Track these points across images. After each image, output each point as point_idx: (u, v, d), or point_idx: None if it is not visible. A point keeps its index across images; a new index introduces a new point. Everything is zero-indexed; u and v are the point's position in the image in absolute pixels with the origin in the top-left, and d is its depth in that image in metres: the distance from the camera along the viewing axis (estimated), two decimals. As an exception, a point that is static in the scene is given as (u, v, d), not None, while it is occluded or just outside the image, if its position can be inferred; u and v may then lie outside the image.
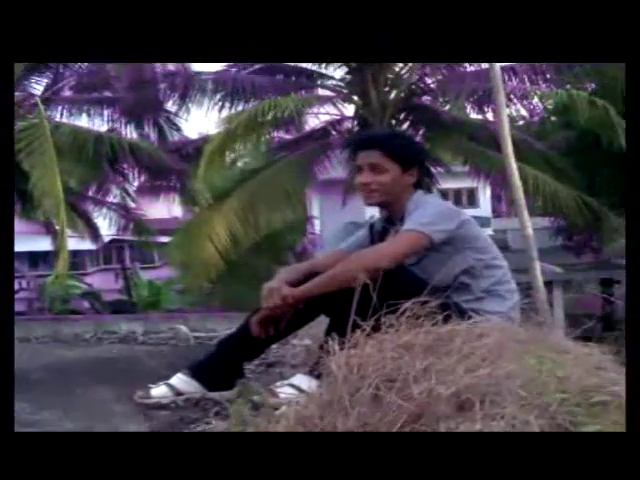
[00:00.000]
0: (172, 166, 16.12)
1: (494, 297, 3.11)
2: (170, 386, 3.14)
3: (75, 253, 25.71)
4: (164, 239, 19.27)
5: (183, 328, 4.70)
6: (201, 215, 15.63)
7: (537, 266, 10.35)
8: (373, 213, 21.55)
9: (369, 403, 2.14)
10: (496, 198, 25.01)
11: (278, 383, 3.03)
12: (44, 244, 17.96)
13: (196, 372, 3.16)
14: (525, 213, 11.88)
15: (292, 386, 2.97)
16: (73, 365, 3.80)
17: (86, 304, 21.12)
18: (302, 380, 2.99)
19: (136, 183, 17.41)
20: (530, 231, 12.01)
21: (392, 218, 3.32)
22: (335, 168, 16.24)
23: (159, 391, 3.12)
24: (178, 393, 3.12)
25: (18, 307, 17.09)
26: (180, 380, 3.16)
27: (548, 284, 12.13)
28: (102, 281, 24.06)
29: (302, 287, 3.02)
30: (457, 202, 21.29)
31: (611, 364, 2.26)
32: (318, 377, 2.85)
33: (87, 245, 20.95)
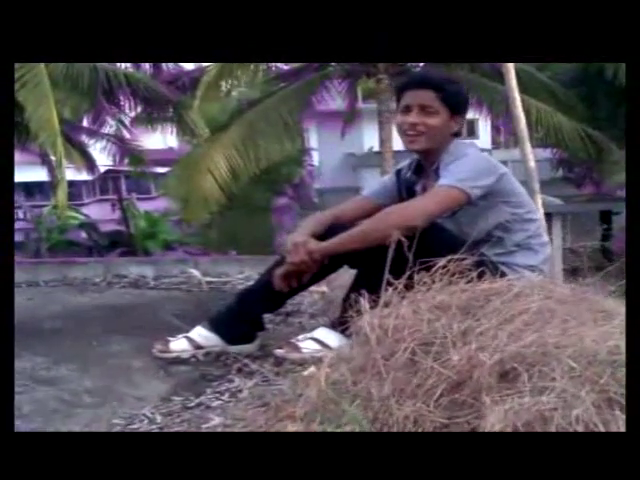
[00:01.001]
0: (168, 97, 15.92)
1: (526, 250, 3.00)
2: (190, 339, 3.05)
3: (71, 184, 25.51)
4: (160, 170, 19.17)
5: (195, 272, 4.60)
6: (200, 148, 15.51)
7: (538, 199, 10.32)
8: (372, 144, 21.51)
9: (405, 368, 2.07)
10: (495, 129, 24.81)
11: (300, 337, 2.95)
12: (40, 174, 17.77)
13: (216, 325, 3.07)
14: (528, 145, 11.80)
15: (315, 340, 2.89)
16: (86, 313, 3.69)
17: (83, 235, 20.98)
18: (325, 334, 2.91)
19: (132, 114, 17.18)
20: (532, 164, 11.96)
21: (424, 166, 3.17)
22: (334, 99, 16.09)
23: (178, 344, 3.04)
24: (198, 347, 3.03)
25: (16, 237, 16.97)
26: (200, 333, 3.07)
27: (548, 216, 12.13)
28: (99, 212, 23.91)
29: (330, 242, 2.89)
30: (456, 133, 21.08)
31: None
32: (342, 331, 2.79)
33: (83, 176, 20.78)
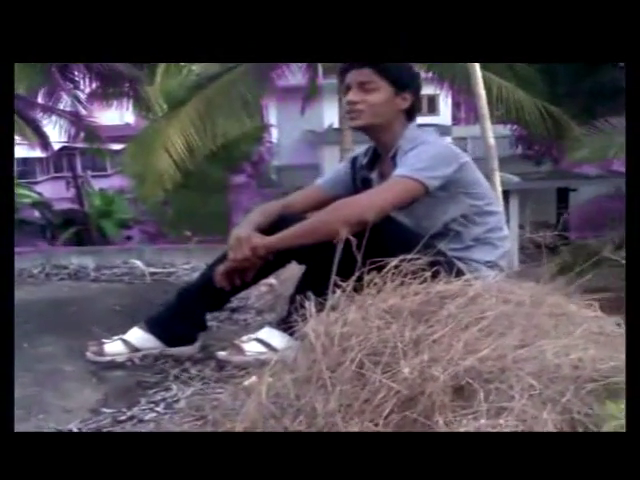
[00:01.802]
0: (124, 72, 15.59)
1: (484, 245, 2.83)
2: (125, 342, 2.83)
3: (25, 161, 25.11)
4: (116, 146, 18.85)
5: (138, 263, 4.38)
6: (156, 124, 15.26)
7: (497, 177, 10.25)
8: (332, 121, 21.33)
9: (352, 381, 1.90)
10: (456, 105, 24.71)
11: (244, 337, 2.74)
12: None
13: (154, 326, 2.85)
14: (488, 122, 11.73)
15: (260, 342, 2.68)
16: (19, 309, 3.43)
17: (36, 213, 20.60)
18: (270, 335, 2.70)
19: (87, 90, 16.84)
20: (492, 141, 11.89)
21: (380, 152, 2.97)
22: (294, 75, 15.88)
23: (113, 347, 2.82)
24: (134, 349, 2.82)
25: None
26: (136, 335, 2.85)
27: (505, 193, 12.08)
28: (53, 190, 23.48)
29: (275, 237, 2.69)
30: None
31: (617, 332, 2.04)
32: (289, 332, 2.61)
33: (37, 153, 20.36)
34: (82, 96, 17.09)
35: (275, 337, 2.69)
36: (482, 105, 10.70)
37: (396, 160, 2.81)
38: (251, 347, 2.67)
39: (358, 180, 3.02)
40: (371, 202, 2.63)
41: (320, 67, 17.32)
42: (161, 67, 16.83)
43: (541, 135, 15.56)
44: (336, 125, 17.29)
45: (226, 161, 18.75)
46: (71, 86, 16.49)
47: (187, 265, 4.41)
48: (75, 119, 17.13)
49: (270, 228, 2.77)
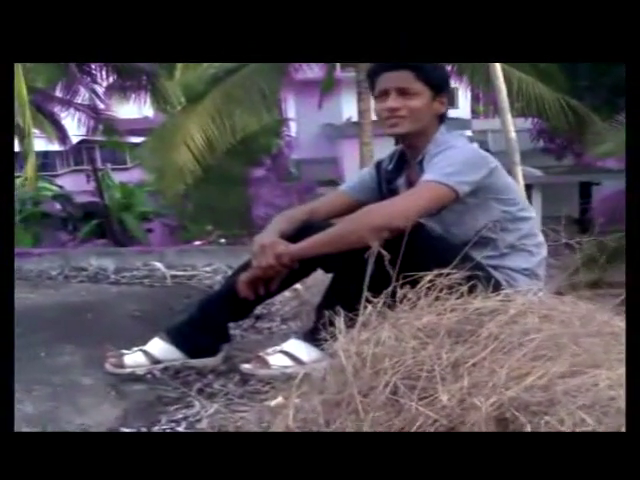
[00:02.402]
0: (142, 66, 15.53)
1: (520, 252, 2.71)
2: (146, 353, 2.72)
3: (45, 154, 25.09)
4: (135, 139, 18.79)
5: (159, 265, 4.27)
6: (175, 119, 15.22)
7: (519, 171, 10.10)
8: (350, 114, 21.22)
9: (386, 407, 1.79)
10: (475, 98, 24.49)
11: (270, 350, 2.62)
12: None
13: (175, 336, 2.74)
14: (509, 116, 11.58)
15: (286, 354, 2.58)
16: (36, 314, 3.34)
17: (57, 206, 20.56)
18: (297, 347, 2.60)
19: (105, 84, 16.80)
20: (513, 134, 11.73)
21: (407, 157, 2.86)
22: (311, 68, 15.77)
23: (133, 359, 2.70)
24: (155, 361, 2.70)
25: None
26: (157, 346, 2.73)
27: (528, 187, 11.94)
28: (73, 183, 23.40)
29: (300, 245, 2.57)
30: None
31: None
32: (316, 344, 2.51)
33: (56, 147, 20.35)
34: (100, 90, 17.06)
35: (302, 350, 2.58)
36: (502, 98, 10.56)
37: (423, 165, 2.70)
38: (277, 360, 2.56)
39: (384, 185, 2.91)
40: (400, 208, 2.52)
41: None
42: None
43: (562, 129, 15.40)
44: (355, 118, 17.16)
45: (245, 155, 18.64)
46: (89, 80, 16.46)
47: (209, 267, 4.30)
48: (93, 112, 17.12)
49: (295, 235, 2.67)
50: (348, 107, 20.03)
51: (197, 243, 16.43)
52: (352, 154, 16.16)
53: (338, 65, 17.96)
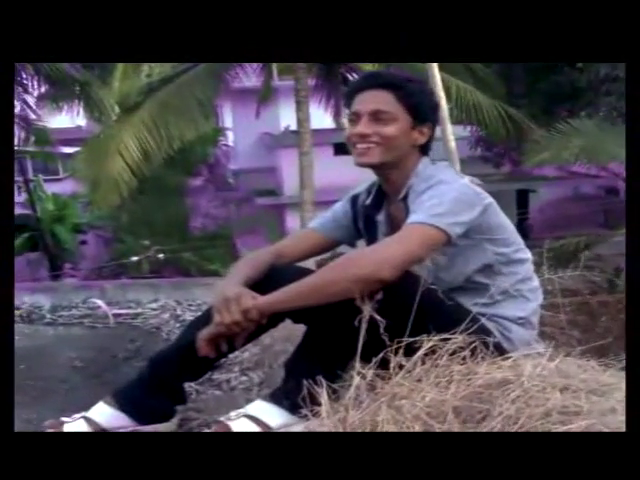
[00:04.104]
0: (74, 75, 15.11)
1: (515, 299, 2.42)
2: (89, 421, 2.36)
3: (-27, 165, 24.29)
4: (68, 150, 18.34)
5: (99, 302, 3.93)
6: (110, 129, 14.84)
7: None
8: (289, 123, 21.07)
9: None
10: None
11: (232, 413, 2.31)
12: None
13: (123, 401, 2.41)
14: (448, 125, 11.48)
15: (251, 418, 2.28)
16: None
17: (-13, 218, 19.90)
18: (263, 410, 2.29)
19: (36, 93, 16.33)
20: (453, 144, 11.65)
21: (388, 191, 2.55)
22: (248, 76, 15.52)
23: (75, 429, 2.36)
24: (100, 429, 2.37)
25: None
26: (102, 412, 2.40)
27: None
28: (3, 194, 22.75)
29: (271, 298, 2.24)
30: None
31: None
32: (284, 405, 2.23)
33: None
34: (31, 99, 16.58)
35: (269, 413, 2.28)
36: (442, 106, 10.46)
37: (408, 202, 2.41)
38: (241, 426, 2.26)
39: (361, 223, 2.62)
40: (387, 256, 2.19)
41: (275, 68, 17.00)
42: (119, 70, 16.29)
43: (500, 136, 15.41)
44: (293, 127, 16.95)
45: (182, 165, 18.37)
46: (20, 89, 15.96)
47: (155, 304, 3.99)
48: (24, 123, 16.65)
49: (262, 282, 2.36)
50: (286, 116, 19.78)
51: (135, 259, 16.06)
52: (291, 164, 15.94)
53: (275, 73, 17.72)
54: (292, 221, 17.50)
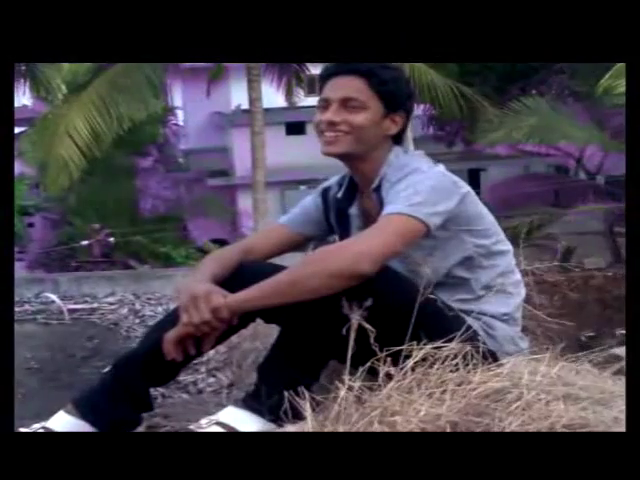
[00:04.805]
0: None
1: (497, 294, 2.27)
2: (49, 431, 2.18)
3: None
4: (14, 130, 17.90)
5: (53, 297, 3.74)
6: (57, 109, 14.53)
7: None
8: (240, 102, 20.90)
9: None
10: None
11: (203, 421, 2.14)
12: None
13: (84, 409, 2.21)
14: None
15: (223, 426, 2.13)
16: None
17: None
18: (236, 416, 2.13)
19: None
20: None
21: (359, 183, 2.40)
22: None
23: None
24: None
25: None
26: (62, 421, 2.21)
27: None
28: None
29: (242, 295, 2.08)
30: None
31: None
32: (258, 411, 2.09)
33: None
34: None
35: (242, 420, 2.12)
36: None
37: (381, 193, 2.28)
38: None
39: (332, 216, 2.48)
40: (365, 248, 2.05)
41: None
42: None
43: (453, 115, 15.38)
44: (244, 106, 16.76)
45: (131, 145, 18.04)
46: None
47: (112, 298, 3.81)
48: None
49: (230, 280, 2.21)
50: (238, 95, 19.55)
51: (85, 243, 15.77)
52: (243, 144, 15.78)
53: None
54: (244, 202, 17.35)
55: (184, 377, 2.83)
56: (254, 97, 13.54)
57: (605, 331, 5.48)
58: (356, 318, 1.75)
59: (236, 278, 2.21)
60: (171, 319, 2.20)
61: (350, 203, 2.42)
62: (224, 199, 19.53)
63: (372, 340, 1.69)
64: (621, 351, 2.42)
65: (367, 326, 1.72)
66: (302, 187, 19.63)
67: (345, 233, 2.44)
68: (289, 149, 19.02)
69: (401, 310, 1.97)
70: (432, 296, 2.06)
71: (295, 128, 20.25)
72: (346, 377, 1.67)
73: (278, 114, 18.46)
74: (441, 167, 2.29)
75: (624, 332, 1.83)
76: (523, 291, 2.38)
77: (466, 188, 2.25)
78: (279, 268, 2.19)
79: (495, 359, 2.01)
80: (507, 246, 2.36)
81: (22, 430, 2.20)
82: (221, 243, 18.27)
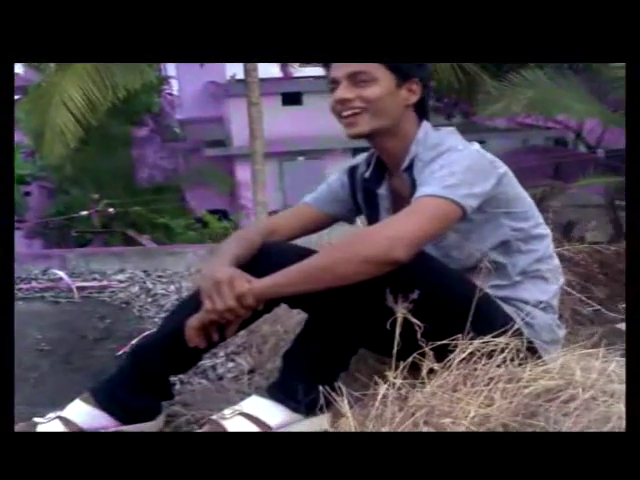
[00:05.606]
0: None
1: (535, 280, 2.21)
2: (66, 421, 2.10)
3: None
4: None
5: (61, 274, 3.64)
6: (51, 77, 14.31)
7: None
8: (235, 71, 20.72)
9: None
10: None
11: (227, 411, 2.05)
12: None
13: (103, 399, 2.14)
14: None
15: (248, 417, 2.04)
16: None
17: None
18: (261, 407, 2.04)
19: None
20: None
21: (387, 162, 2.31)
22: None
23: (49, 429, 2.07)
24: (78, 430, 2.09)
25: None
26: (80, 411, 2.12)
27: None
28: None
29: (269, 281, 1.98)
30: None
31: None
32: (284, 401, 2.02)
33: None
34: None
35: (268, 410, 2.04)
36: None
37: (413, 173, 2.19)
38: (236, 425, 2.02)
39: (360, 196, 2.39)
40: (400, 232, 1.94)
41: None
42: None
43: (452, 87, 15.22)
44: (239, 76, 16.56)
45: (127, 115, 17.87)
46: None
47: (122, 275, 3.71)
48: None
49: (254, 262, 2.12)
50: (232, 64, 19.35)
51: (84, 213, 15.64)
52: (239, 114, 15.60)
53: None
54: (242, 173, 17.22)
55: (202, 362, 2.73)
56: (250, 67, 13.34)
57: (609, 305, 5.45)
58: (402, 312, 1.66)
59: (260, 261, 2.12)
60: (192, 304, 2.12)
61: (379, 183, 2.33)
62: (222, 169, 19.39)
63: (419, 335, 1.60)
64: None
65: (414, 321, 1.63)
66: (300, 158, 19.51)
67: (373, 214, 2.35)
68: (285, 119, 18.88)
69: (450, 303, 1.88)
70: (491, 296, 1.99)
71: (291, 98, 20.11)
72: (391, 374, 1.58)
73: (274, 84, 18.27)
74: (476, 145, 2.19)
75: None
76: (561, 278, 2.30)
77: (504, 168, 2.16)
78: (305, 250, 2.10)
79: (534, 350, 1.94)
80: (546, 230, 2.27)
81: (37, 420, 2.11)
82: (221, 214, 18.22)
